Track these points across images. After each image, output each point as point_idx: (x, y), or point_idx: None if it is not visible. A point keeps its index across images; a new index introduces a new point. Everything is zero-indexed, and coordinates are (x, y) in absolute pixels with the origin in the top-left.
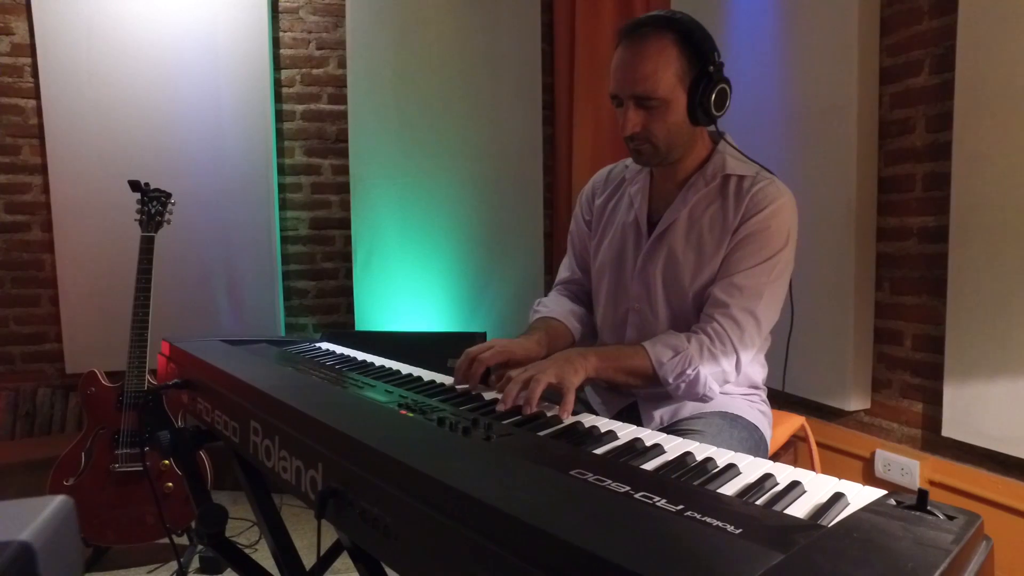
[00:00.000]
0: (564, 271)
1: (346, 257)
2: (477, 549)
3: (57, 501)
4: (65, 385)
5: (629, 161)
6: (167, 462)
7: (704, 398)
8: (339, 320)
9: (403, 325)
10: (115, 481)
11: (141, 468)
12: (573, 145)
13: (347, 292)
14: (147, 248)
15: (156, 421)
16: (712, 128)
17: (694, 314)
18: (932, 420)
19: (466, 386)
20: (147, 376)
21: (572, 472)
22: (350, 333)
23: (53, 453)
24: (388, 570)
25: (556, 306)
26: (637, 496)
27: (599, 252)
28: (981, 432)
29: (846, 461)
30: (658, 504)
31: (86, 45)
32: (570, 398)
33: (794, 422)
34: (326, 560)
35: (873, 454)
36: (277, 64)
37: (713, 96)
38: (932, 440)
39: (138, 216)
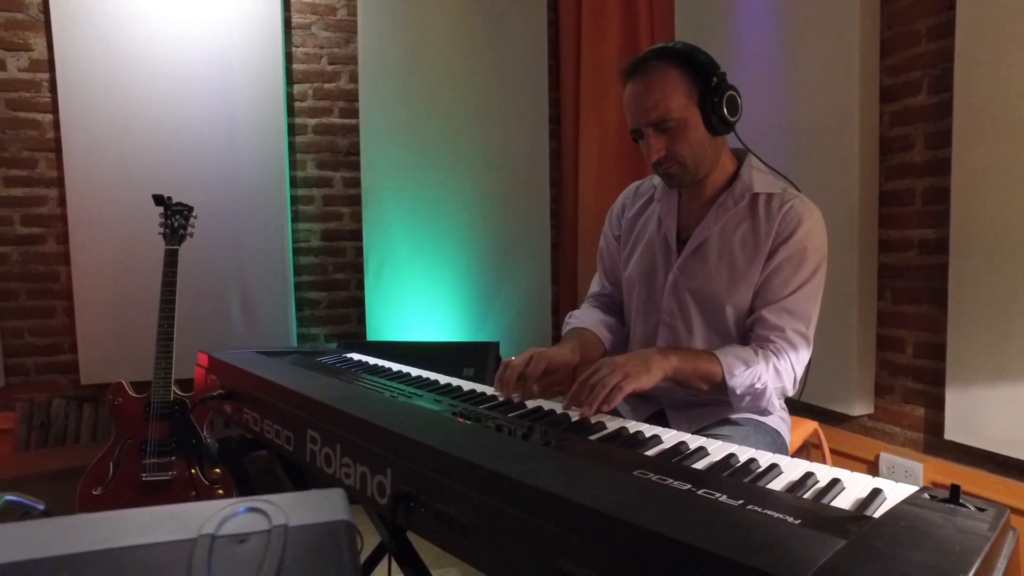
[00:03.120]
0: (595, 285)
1: (357, 268)
2: (563, 542)
3: (339, 491)
4: (79, 396)
5: (657, 178)
6: (193, 471)
7: (765, 412)
8: (350, 330)
9: (414, 335)
10: (143, 490)
11: (169, 477)
12: (579, 157)
13: (358, 303)
14: (171, 261)
15: (184, 431)
16: (739, 147)
17: (732, 327)
18: (934, 424)
19: (513, 395)
20: (172, 386)
21: (635, 472)
22: (365, 343)
23: (70, 464)
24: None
25: (587, 317)
26: (700, 493)
27: (628, 266)
28: (982, 435)
29: (851, 464)
30: (720, 499)
31: (103, 60)
32: (617, 399)
33: (807, 427)
34: (369, 564)
35: (877, 457)
36: (290, 79)
37: (724, 104)
38: (934, 443)
39: (161, 229)
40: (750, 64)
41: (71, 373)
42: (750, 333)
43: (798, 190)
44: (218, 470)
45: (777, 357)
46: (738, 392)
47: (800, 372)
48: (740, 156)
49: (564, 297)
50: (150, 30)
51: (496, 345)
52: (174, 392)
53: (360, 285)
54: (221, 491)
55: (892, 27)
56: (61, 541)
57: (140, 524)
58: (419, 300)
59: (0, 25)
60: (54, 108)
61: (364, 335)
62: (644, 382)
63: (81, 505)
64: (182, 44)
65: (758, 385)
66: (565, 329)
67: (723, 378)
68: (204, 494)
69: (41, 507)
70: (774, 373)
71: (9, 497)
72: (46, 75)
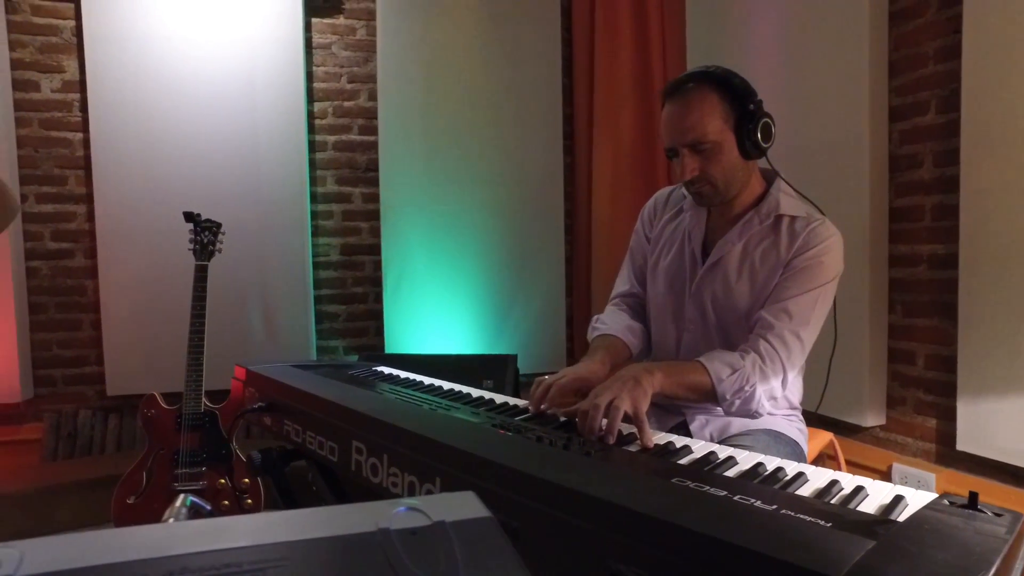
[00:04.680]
0: (623, 284)
1: (375, 282)
2: (613, 543)
3: (471, 493)
4: (105, 407)
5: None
6: (223, 480)
7: (755, 414)
8: (368, 343)
9: (431, 347)
10: (175, 499)
11: (200, 487)
12: (592, 173)
13: (376, 316)
14: (201, 276)
15: (214, 442)
16: (767, 167)
17: (747, 336)
18: (946, 435)
19: (542, 407)
20: (203, 398)
21: (673, 480)
22: (384, 356)
23: (96, 474)
24: None
25: (614, 322)
26: (735, 498)
27: (656, 272)
28: (994, 446)
29: (864, 474)
30: (755, 504)
31: (132, 80)
32: (646, 427)
33: (823, 438)
34: None
35: (890, 467)
36: (310, 97)
37: (759, 130)
38: (946, 454)
39: (191, 246)
40: (761, 84)
41: (97, 384)
42: (750, 333)
43: (823, 214)
44: (247, 480)
45: (763, 359)
46: (727, 397)
47: (792, 373)
48: (768, 178)
49: (578, 310)
50: (177, 51)
51: (514, 358)
52: (204, 404)
53: (378, 298)
54: (250, 500)
55: (900, 49)
56: (265, 532)
57: (319, 520)
58: (436, 313)
59: (36, 48)
60: (84, 127)
61: (382, 347)
62: (644, 404)
63: (116, 514)
64: (208, 65)
65: (747, 388)
66: (592, 335)
67: (712, 385)
68: (234, 504)
69: (208, 507)
70: (761, 375)
71: (192, 499)
72: (77, 95)
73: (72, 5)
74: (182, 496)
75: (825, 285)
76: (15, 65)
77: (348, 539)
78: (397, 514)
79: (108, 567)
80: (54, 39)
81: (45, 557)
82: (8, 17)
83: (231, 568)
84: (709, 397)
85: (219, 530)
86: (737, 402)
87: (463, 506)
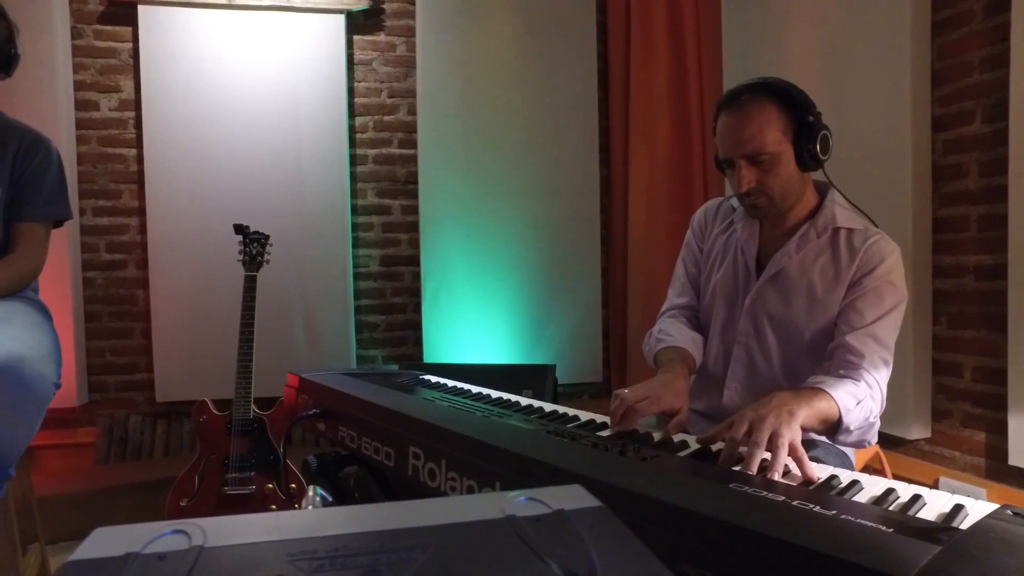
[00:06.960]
0: (679, 296)
1: (414, 292)
2: (677, 545)
3: (578, 486)
4: (154, 413)
5: (735, 201)
6: (271, 485)
7: (866, 443)
8: (407, 353)
9: (469, 357)
10: (226, 503)
11: (249, 491)
12: (628, 185)
13: (414, 326)
14: (250, 287)
15: (262, 447)
16: (821, 179)
17: (807, 353)
18: (996, 449)
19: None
20: (252, 405)
21: (731, 485)
22: (423, 365)
23: (146, 477)
24: None
25: (680, 334)
26: (795, 504)
27: (710, 284)
28: None
29: None
30: (815, 510)
31: (183, 99)
32: (807, 462)
33: (868, 451)
34: None
35: (937, 481)
36: (352, 112)
37: (818, 142)
38: (997, 469)
39: (241, 257)
40: None
41: (147, 391)
42: (831, 359)
43: (876, 227)
44: (294, 485)
45: (871, 387)
46: (851, 428)
47: (885, 397)
48: (822, 190)
49: (614, 321)
50: (226, 70)
51: (552, 368)
52: (253, 410)
53: (417, 309)
54: (297, 506)
55: (944, 59)
56: (403, 518)
57: (446, 508)
58: (474, 323)
59: (97, 70)
60: (138, 143)
61: (421, 357)
62: (799, 439)
63: (170, 515)
64: (254, 82)
65: (871, 419)
66: (657, 347)
67: (839, 417)
68: (282, 508)
69: (330, 499)
70: (874, 404)
71: (319, 490)
72: (132, 113)
73: (130, 29)
74: (311, 487)
75: (899, 305)
76: (77, 86)
77: (481, 524)
78: (519, 503)
79: (283, 542)
80: (113, 61)
81: (224, 533)
82: (73, 42)
83: (385, 547)
84: (832, 428)
85: (363, 515)
86: (857, 433)
87: (575, 497)
